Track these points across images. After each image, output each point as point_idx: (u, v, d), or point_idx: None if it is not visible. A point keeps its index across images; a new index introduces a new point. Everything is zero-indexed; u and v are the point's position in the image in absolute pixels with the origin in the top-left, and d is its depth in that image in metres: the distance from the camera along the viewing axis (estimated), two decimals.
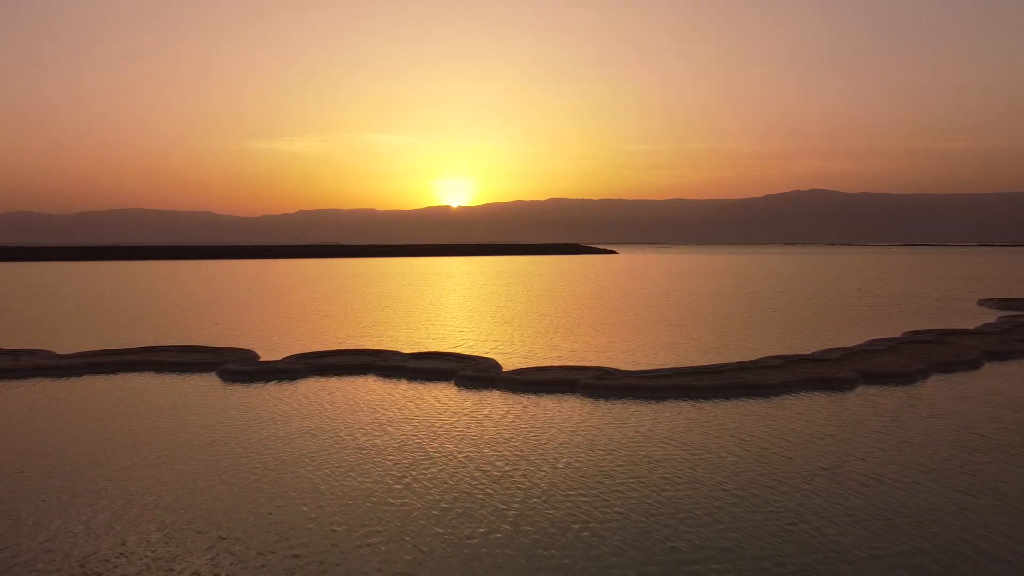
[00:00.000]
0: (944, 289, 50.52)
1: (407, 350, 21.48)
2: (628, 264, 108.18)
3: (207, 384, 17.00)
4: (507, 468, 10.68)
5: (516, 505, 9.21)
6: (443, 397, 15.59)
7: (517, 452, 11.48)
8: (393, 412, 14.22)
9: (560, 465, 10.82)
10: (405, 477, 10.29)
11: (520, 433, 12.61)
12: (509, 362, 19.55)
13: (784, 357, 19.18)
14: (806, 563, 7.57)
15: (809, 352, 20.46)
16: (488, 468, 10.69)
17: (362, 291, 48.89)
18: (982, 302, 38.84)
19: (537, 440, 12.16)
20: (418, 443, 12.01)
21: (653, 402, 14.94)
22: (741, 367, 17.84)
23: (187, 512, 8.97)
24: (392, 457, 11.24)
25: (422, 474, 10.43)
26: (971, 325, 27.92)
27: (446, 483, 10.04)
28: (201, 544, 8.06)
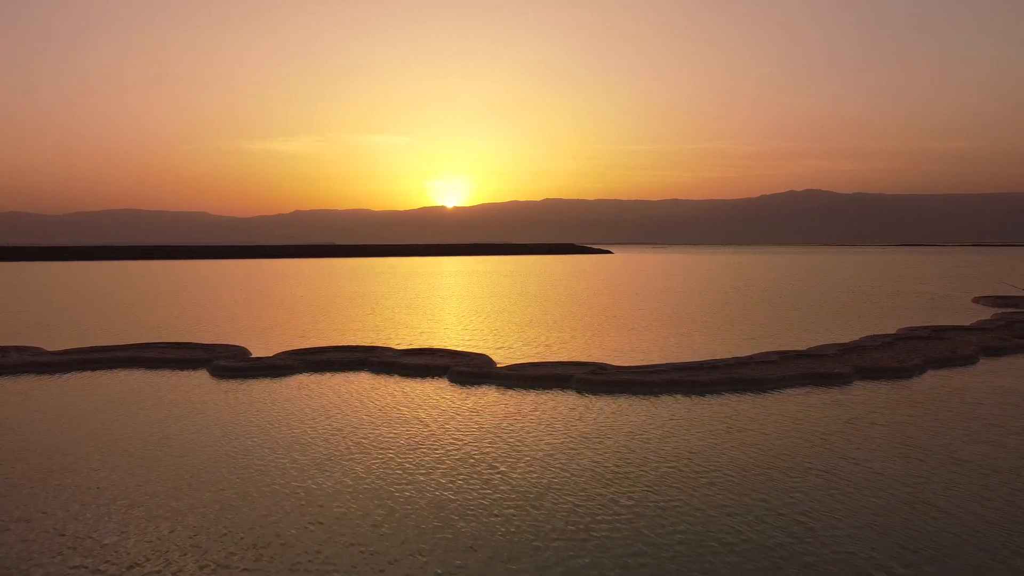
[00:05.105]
0: (940, 287, 50.52)
1: (400, 346, 21.33)
2: (623, 264, 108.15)
3: (198, 381, 16.83)
4: (501, 463, 10.55)
5: (510, 500, 9.07)
6: (437, 393, 15.44)
7: (511, 447, 11.34)
8: (386, 408, 14.07)
9: (553, 460, 10.68)
10: (398, 473, 10.15)
11: (514, 428, 12.47)
12: (503, 358, 19.41)
13: (780, 353, 19.07)
14: (801, 555, 7.46)
15: (805, 348, 20.36)
16: (482, 463, 10.55)
17: (356, 289, 48.69)
18: (977, 300, 38.83)
19: (531, 435, 12.02)
20: (412, 439, 11.87)
21: (648, 397, 14.82)
22: (737, 363, 17.72)
23: (174, 509, 8.81)
24: (385, 453, 11.09)
25: (415, 470, 10.29)
26: (967, 322, 27.86)
27: (440, 479, 9.90)
28: (189, 541, 7.91)
